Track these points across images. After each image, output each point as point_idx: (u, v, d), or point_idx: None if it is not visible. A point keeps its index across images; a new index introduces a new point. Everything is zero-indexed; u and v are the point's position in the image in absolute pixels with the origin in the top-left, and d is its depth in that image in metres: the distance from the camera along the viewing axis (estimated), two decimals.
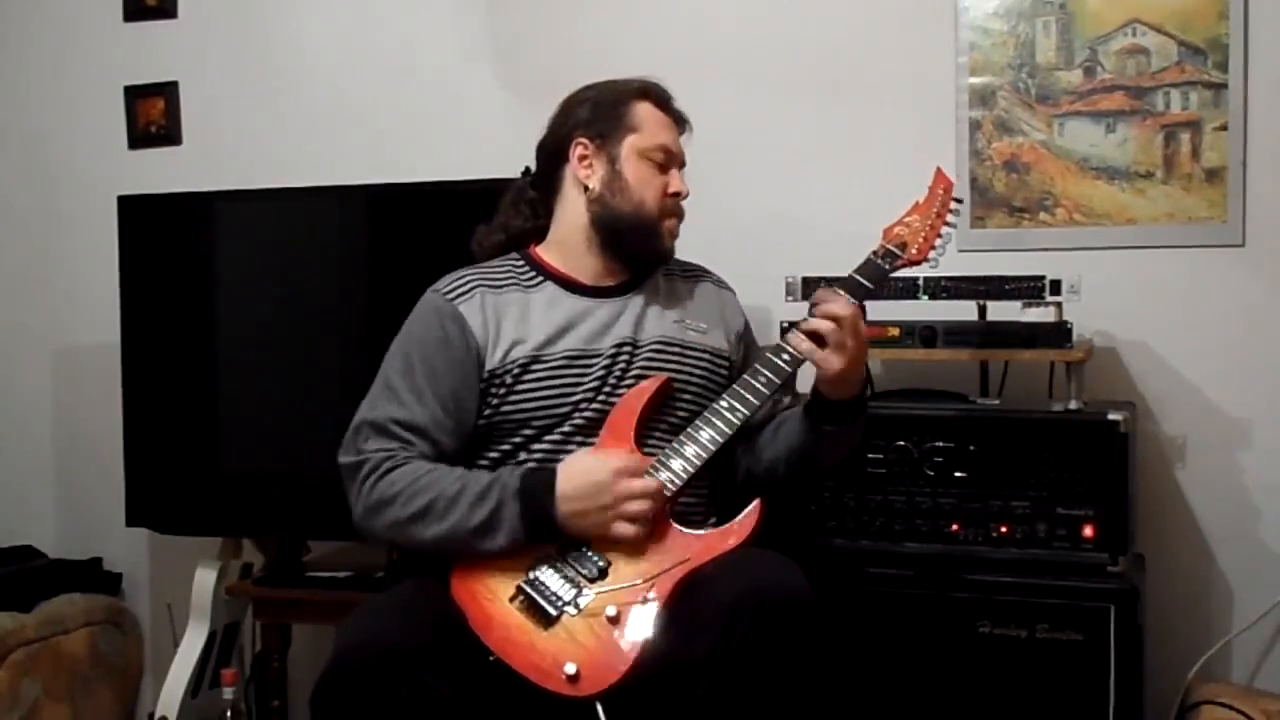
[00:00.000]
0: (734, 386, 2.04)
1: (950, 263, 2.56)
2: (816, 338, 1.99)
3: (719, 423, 2.00)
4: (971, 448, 2.33)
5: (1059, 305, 2.36)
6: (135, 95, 3.29)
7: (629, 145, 2.14)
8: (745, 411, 2.01)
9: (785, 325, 2.18)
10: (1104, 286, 2.52)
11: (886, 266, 2.11)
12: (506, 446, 2.06)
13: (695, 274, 2.29)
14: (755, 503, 1.94)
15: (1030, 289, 2.37)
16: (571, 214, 2.17)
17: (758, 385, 2.03)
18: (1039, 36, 2.67)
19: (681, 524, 1.97)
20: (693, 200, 2.72)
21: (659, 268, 2.22)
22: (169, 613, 3.19)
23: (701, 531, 1.95)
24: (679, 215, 2.19)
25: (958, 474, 2.33)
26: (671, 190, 2.16)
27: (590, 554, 1.93)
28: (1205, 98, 2.58)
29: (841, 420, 2.05)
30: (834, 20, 2.79)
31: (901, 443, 2.36)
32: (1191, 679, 2.52)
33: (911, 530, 2.36)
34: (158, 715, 2.90)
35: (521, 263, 2.18)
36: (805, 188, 2.80)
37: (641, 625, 1.85)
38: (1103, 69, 2.63)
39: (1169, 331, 2.62)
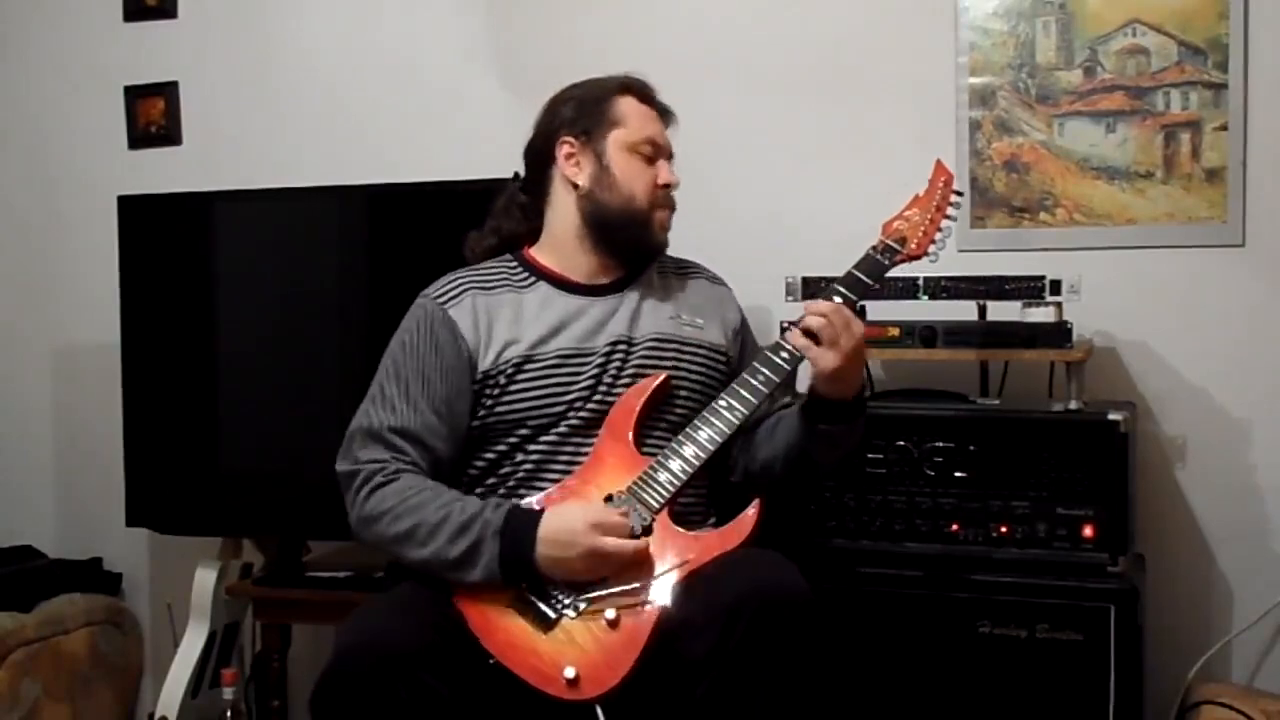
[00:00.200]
0: (733, 385, 2.04)
1: (950, 263, 2.56)
2: (811, 335, 1.99)
3: (718, 422, 2.00)
4: (971, 448, 2.33)
5: (1059, 305, 2.36)
6: (135, 95, 3.29)
7: (615, 140, 2.14)
8: (744, 411, 2.00)
9: (785, 325, 2.18)
10: (1104, 286, 2.51)
11: (886, 262, 2.10)
12: (502, 447, 2.06)
13: (690, 270, 2.29)
14: (754, 503, 1.94)
15: (1030, 289, 2.37)
16: (562, 213, 2.17)
17: (756, 384, 2.02)
18: (1039, 36, 2.67)
19: (681, 523, 1.96)
20: (693, 200, 2.72)
21: (653, 264, 2.22)
22: (169, 613, 3.20)
23: (700, 532, 1.95)
24: (670, 206, 2.19)
25: (958, 474, 2.33)
26: (661, 182, 2.16)
27: None
28: (1205, 98, 2.57)
29: (837, 420, 2.04)
30: (834, 20, 2.79)
31: (901, 443, 2.36)
32: (1191, 679, 2.52)
33: (911, 530, 2.36)
34: (158, 715, 2.90)
35: (514, 264, 2.18)
36: (805, 188, 2.80)
37: (640, 628, 1.85)
38: (1103, 69, 2.63)
39: (1169, 331, 2.62)
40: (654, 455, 2.00)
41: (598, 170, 2.13)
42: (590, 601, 1.88)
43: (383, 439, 2.02)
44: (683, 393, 2.11)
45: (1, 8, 3.38)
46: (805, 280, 2.43)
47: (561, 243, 2.17)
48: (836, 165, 2.78)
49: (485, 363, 2.06)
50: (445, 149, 2.95)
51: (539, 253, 2.20)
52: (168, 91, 3.26)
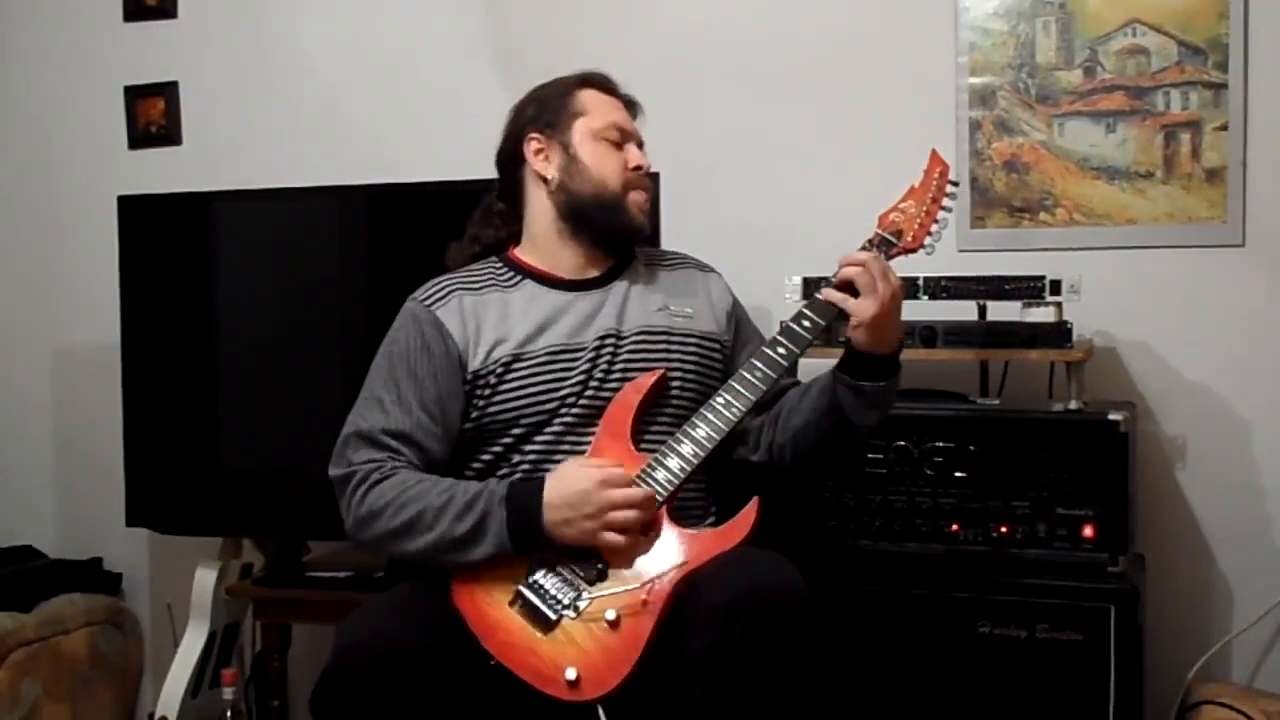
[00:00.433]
0: (730, 381, 2.02)
1: (950, 263, 2.57)
2: (847, 288, 1.98)
3: (715, 419, 1.99)
4: (971, 448, 2.33)
5: (1059, 305, 2.36)
6: (135, 95, 3.29)
7: (580, 129, 2.14)
8: (741, 407, 1.99)
9: (815, 282, 2.16)
10: (1104, 286, 2.52)
11: (881, 255, 2.06)
12: (498, 448, 2.06)
13: (677, 260, 2.28)
14: (752, 502, 1.93)
15: (1030, 289, 2.37)
16: (539, 211, 2.17)
17: (753, 379, 2.00)
18: (1039, 36, 2.67)
19: (680, 519, 1.96)
20: (693, 200, 2.73)
21: (638, 256, 2.21)
22: (169, 613, 3.20)
23: (699, 531, 1.95)
24: (644, 188, 2.17)
25: (958, 474, 2.33)
26: (631, 165, 2.15)
27: (589, 557, 1.92)
28: (1205, 98, 2.58)
29: (877, 376, 2.02)
30: (834, 20, 2.79)
31: (901, 443, 2.36)
32: (1191, 679, 2.52)
33: (911, 530, 2.36)
34: (158, 715, 2.90)
35: (500, 264, 2.18)
36: (805, 188, 2.80)
37: (641, 629, 1.85)
38: (1103, 69, 2.63)
39: (1169, 331, 2.62)
40: (652, 452, 1.99)
41: (566, 160, 2.13)
42: (590, 602, 1.88)
43: (377, 441, 2.02)
44: (676, 385, 2.10)
45: (1, 8, 3.39)
46: (805, 280, 2.42)
47: (542, 240, 2.17)
48: (836, 165, 2.78)
49: (475, 363, 2.05)
50: (445, 149, 2.95)
51: (523, 252, 2.19)
52: (168, 91, 3.26)
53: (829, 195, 2.75)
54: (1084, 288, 2.36)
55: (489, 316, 2.08)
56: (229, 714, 2.67)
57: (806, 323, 2.03)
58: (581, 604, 1.88)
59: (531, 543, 1.91)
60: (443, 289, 2.12)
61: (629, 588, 1.88)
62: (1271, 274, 2.57)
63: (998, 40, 2.69)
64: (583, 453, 2.03)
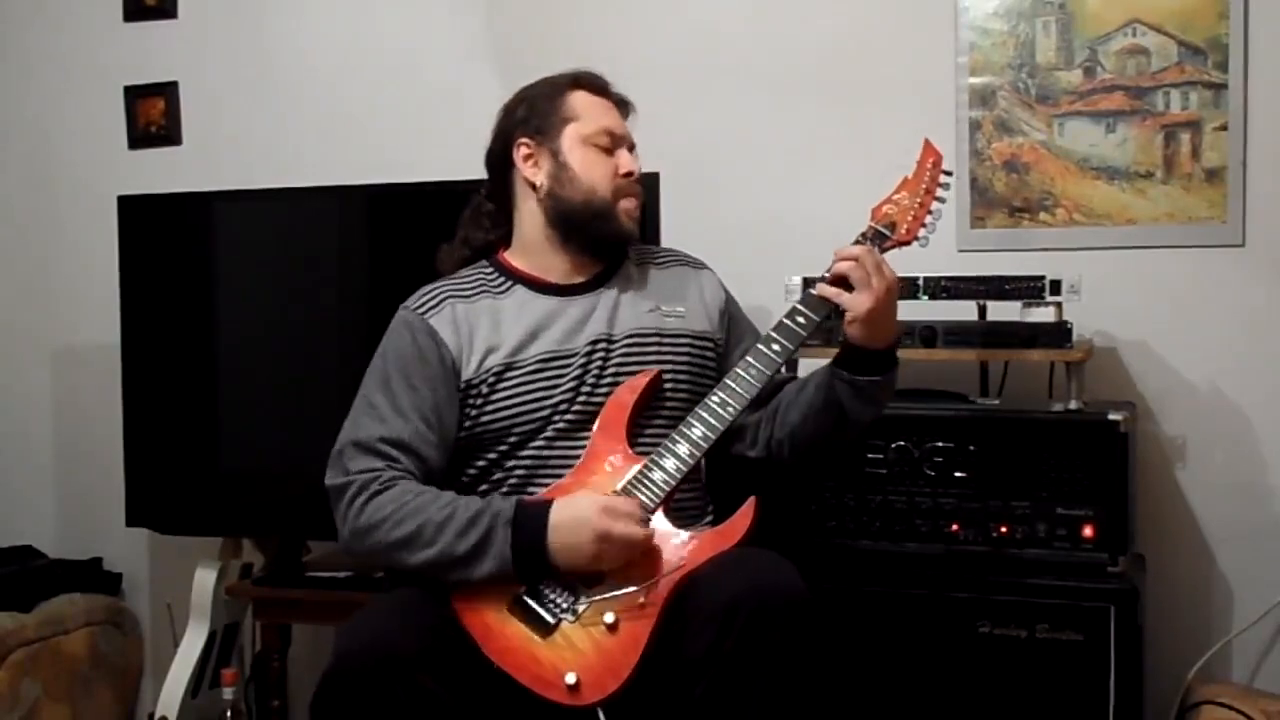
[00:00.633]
0: (725, 380, 2.01)
1: (950, 263, 2.57)
2: (841, 283, 1.97)
3: (711, 419, 1.98)
4: (971, 448, 2.33)
5: (1059, 305, 2.36)
6: (135, 95, 3.29)
7: (570, 135, 2.11)
8: (736, 406, 1.98)
9: (809, 280, 2.14)
10: (1104, 286, 2.51)
11: (875, 249, 2.05)
12: (492, 455, 2.05)
13: (668, 259, 2.26)
14: (749, 502, 1.93)
15: (1030, 289, 2.37)
16: (529, 216, 2.15)
17: (749, 378, 1.99)
18: (1039, 36, 2.67)
19: (678, 518, 1.96)
20: (693, 200, 2.73)
21: (629, 258, 2.20)
22: (169, 613, 3.20)
23: (697, 532, 1.95)
24: (635, 195, 2.15)
25: (958, 474, 2.33)
26: (622, 171, 2.12)
27: None
28: (1205, 98, 2.58)
29: (873, 370, 2.01)
30: (834, 20, 2.79)
31: (901, 443, 2.36)
32: (1191, 679, 2.52)
33: (911, 530, 2.36)
34: (158, 715, 2.90)
35: (491, 270, 2.17)
36: (805, 188, 2.80)
37: (639, 632, 1.84)
38: (1103, 69, 2.63)
39: (1169, 331, 2.62)
40: (648, 453, 1.98)
41: (555, 167, 2.11)
42: (589, 605, 1.88)
43: (375, 450, 2.00)
44: (670, 385, 2.09)
45: (1, 8, 3.39)
46: (805, 281, 2.42)
47: (532, 245, 2.15)
48: (836, 165, 2.78)
49: (468, 371, 2.04)
50: (445, 149, 2.94)
51: (513, 256, 2.18)
52: (168, 91, 3.26)
53: (828, 195, 2.75)
54: (1084, 288, 2.36)
55: (481, 324, 2.07)
56: (229, 714, 2.67)
57: (801, 319, 2.03)
58: (580, 607, 1.88)
59: (534, 565, 1.89)
60: (435, 296, 2.11)
61: (627, 590, 1.87)
62: (1271, 274, 2.57)
63: (998, 40, 2.69)
64: (576, 459, 2.02)
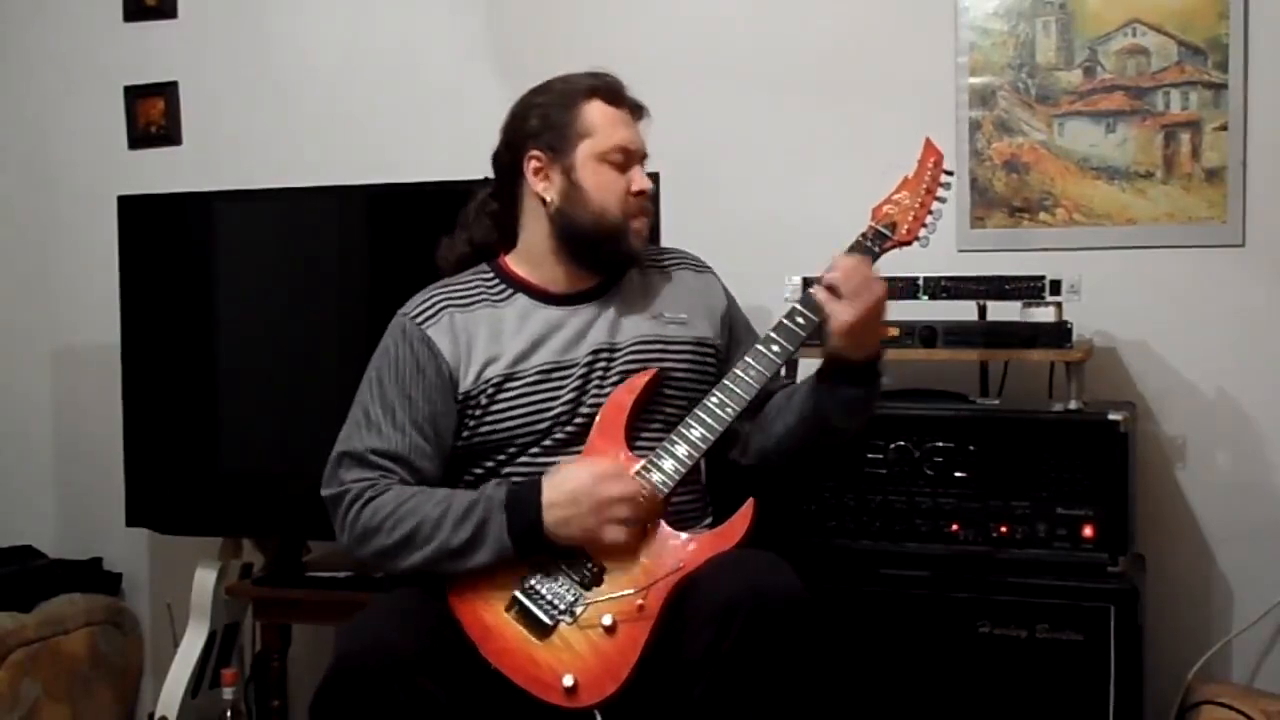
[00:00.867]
0: (724, 381, 2.01)
1: (950, 263, 2.57)
2: (831, 290, 1.96)
3: (710, 420, 1.98)
4: (971, 448, 2.33)
5: (1059, 305, 2.36)
6: (135, 95, 3.29)
7: (584, 151, 2.06)
8: (735, 407, 1.98)
9: (806, 281, 2.13)
10: (1104, 286, 2.51)
11: (876, 249, 2.05)
12: (490, 464, 2.05)
13: (670, 261, 2.24)
14: (748, 503, 1.93)
15: (1030, 289, 2.37)
16: (535, 228, 2.12)
17: (748, 378, 1.99)
18: (1039, 36, 2.67)
19: (677, 522, 1.96)
20: (693, 200, 2.73)
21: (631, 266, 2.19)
22: (169, 613, 3.20)
23: (695, 534, 1.95)
24: (646, 213, 2.12)
25: (958, 474, 2.33)
26: (635, 190, 2.08)
27: (585, 562, 1.92)
28: (1205, 98, 2.57)
29: (854, 382, 2.01)
30: (834, 20, 2.79)
31: (901, 443, 2.36)
32: (1191, 679, 2.52)
33: (911, 530, 2.36)
34: (158, 715, 2.90)
35: (490, 275, 2.14)
36: (805, 187, 2.80)
37: (637, 634, 1.85)
38: (1103, 69, 2.63)
39: (1169, 331, 2.62)
40: (647, 454, 1.98)
41: (568, 186, 2.06)
42: (587, 608, 1.88)
43: (368, 462, 2.00)
44: (671, 391, 2.09)
45: (1, 8, 3.39)
46: (805, 280, 2.42)
47: (536, 254, 2.13)
48: (836, 165, 2.78)
49: (466, 383, 2.03)
50: (445, 149, 2.95)
51: (514, 262, 2.15)
52: (168, 91, 3.26)
53: (828, 195, 2.75)
54: (1084, 288, 2.36)
55: (480, 334, 2.05)
56: (229, 714, 2.67)
57: (800, 319, 2.02)
58: (578, 609, 1.88)
59: (533, 545, 1.90)
60: (433, 304, 2.08)
61: (625, 592, 1.87)
62: (1271, 274, 2.57)
63: (998, 40, 2.69)
64: None
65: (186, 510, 2.94)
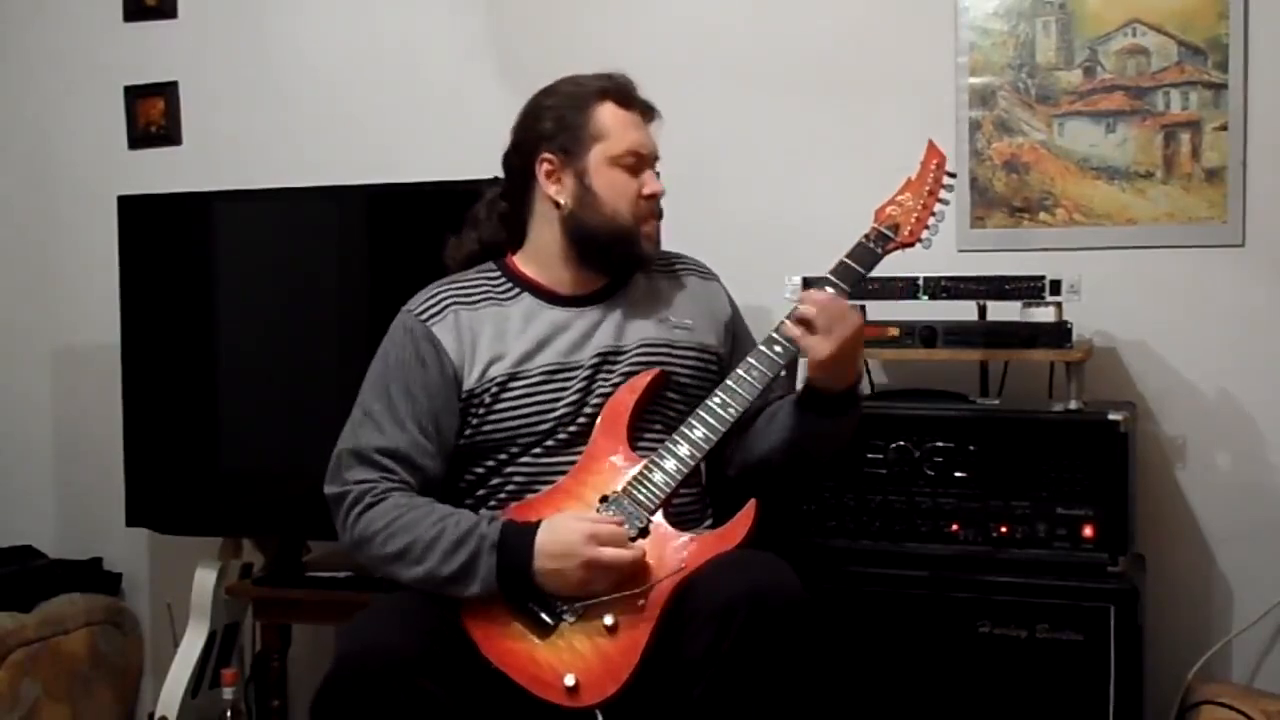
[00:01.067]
0: (727, 381, 2.02)
1: (950, 263, 2.57)
2: (805, 324, 1.97)
3: (712, 420, 1.98)
4: (971, 448, 2.33)
5: (1059, 305, 2.36)
6: (135, 95, 3.29)
7: (597, 155, 2.07)
8: (737, 408, 1.99)
9: (809, 280, 2.15)
10: (1104, 286, 2.51)
11: (879, 250, 2.06)
12: (491, 463, 2.05)
13: (677, 266, 2.24)
14: (749, 504, 1.93)
15: (1030, 289, 2.37)
16: (546, 230, 2.12)
17: (750, 379, 2.00)
18: (1039, 36, 2.67)
19: (678, 522, 1.96)
20: (693, 200, 2.72)
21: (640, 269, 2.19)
22: (169, 613, 3.19)
23: (696, 534, 1.95)
24: (658, 216, 2.13)
25: (958, 474, 2.33)
26: (647, 193, 2.09)
27: None
28: (1205, 98, 2.57)
29: (830, 412, 2.02)
30: (833, 20, 2.79)
31: (901, 443, 2.36)
32: (1191, 679, 2.52)
33: (911, 530, 2.36)
34: (158, 715, 2.90)
35: (497, 274, 2.14)
36: (805, 188, 2.80)
37: (639, 634, 1.85)
38: (1103, 69, 2.63)
39: (1169, 331, 2.62)
40: (648, 455, 1.98)
41: (580, 190, 2.07)
42: (588, 607, 1.88)
43: (370, 460, 2.00)
44: (673, 396, 2.09)
45: (1, 8, 3.38)
46: (805, 280, 2.42)
47: (545, 255, 2.13)
48: (836, 165, 2.78)
49: (470, 381, 2.03)
50: (445, 149, 2.95)
51: (522, 262, 2.16)
52: (168, 91, 3.26)
53: (828, 195, 2.75)
54: (1084, 288, 2.36)
55: (484, 333, 2.06)
56: (229, 714, 2.67)
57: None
58: (579, 609, 1.88)
59: (520, 589, 1.89)
60: (438, 301, 2.09)
61: (626, 593, 1.87)
62: (1271, 274, 2.56)
63: (998, 40, 2.69)
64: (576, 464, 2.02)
65: (186, 510, 2.94)
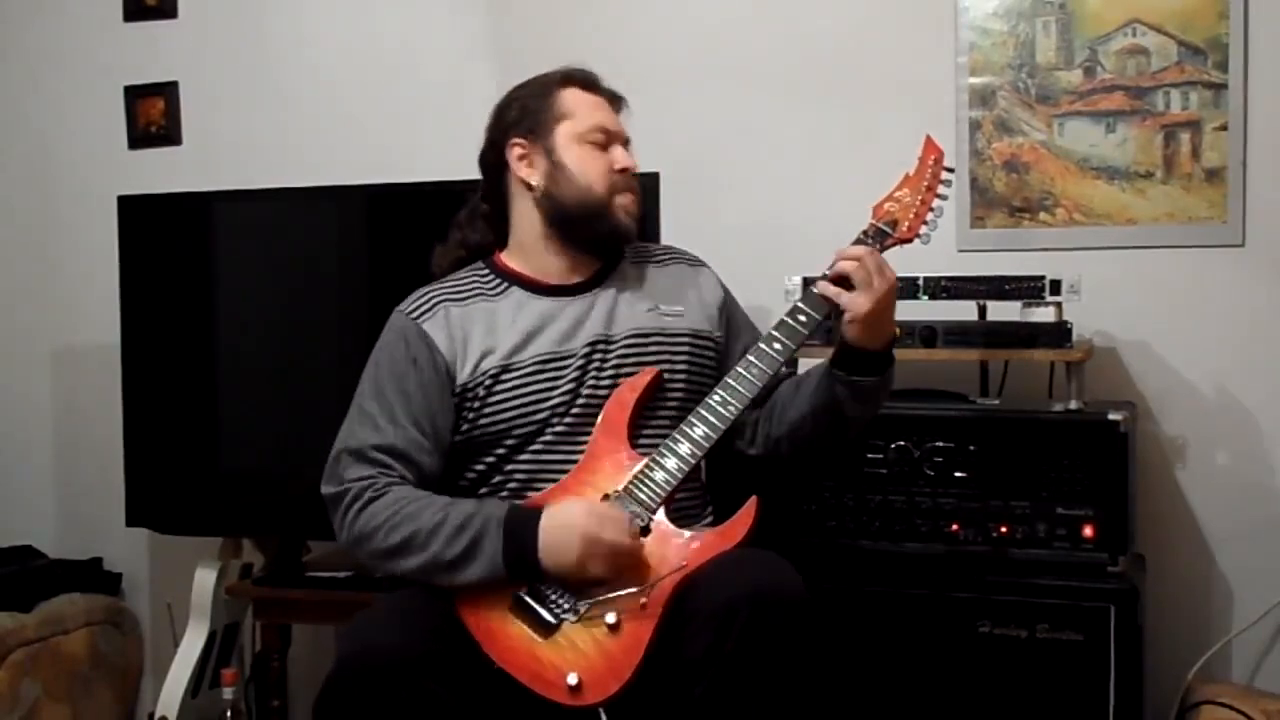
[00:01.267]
0: (725, 379, 2.01)
1: (950, 263, 2.57)
2: (842, 282, 1.97)
3: (712, 418, 1.98)
4: (971, 448, 2.33)
5: (1059, 305, 2.36)
6: (135, 95, 3.29)
7: (564, 133, 2.10)
8: (737, 406, 1.98)
9: (808, 280, 2.14)
10: (1104, 286, 2.52)
11: (876, 246, 2.05)
12: (490, 459, 2.05)
13: (665, 256, 2.25)
14: (750, 502, 1.93)
15: (1030, 289, 2.37)
16: (525, 217, 2.14)
17: (753, 373, 1.99)
18: (1039, 36, 2.67)
19: (678, 517, 1.96)
20: (693, 200, 2.73)
21: (625, 257, 2.19)
22: (169, 613, 3.20)
23: (698, 533, 1.95)
24: (631, 190, 2.13)
25: (958, 474, 2.33)
26: (618, 166, 2.10)
27: None
28: (1205, 98, 2.58)
29: (869, 371, 2.01)
30: (834, 20, 2.79)
31: (901, 443, 2.36)
32: (1191, 679, 2.52)
33: (911, 530, 2.36)
34: (158, 715, 2.90)
35: (485, 271, 2.16)
36: (805, 187, 2.80)
37: (641, 632, 1.84)
38: (1103, 69, 2.63)
39: (1169, 331, 2.62)
40: (649, 451, 1.98)
41: (550, 167, 2.09)
42: (590, 605, 1.88)
43: (368, 458, 2.00)
44: (670, 384, 2.09)
45: (1, 8, 3.39)
46: (805, 281, 2.42)
47: (529, 246, 2.14)
48: (836, 165, 2.78)
49: (463, 375, 2.04)
50: (445, 149, 2.94)
51: (509, 257, 2.17)
52: (168, 91, 3.26)
53: (829, 195, 2.75)
54: (1084, 288, 2.36)
55: (476, 327, 2.07)
56: (229, 714, 2.67)
57: (802, 317, 2.03)
58: (581, 608, 1.88)
59: (524, 570, 1.89)
60: (428, 300, 2.10)
61: (629, 591, 1.87)
62: (1271, 274, 2.57)
63: (998, 40, 2.69)
64: (578, 457, 2.02)
65: (186, 510, 2.94)
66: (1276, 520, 2.57)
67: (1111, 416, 2.28)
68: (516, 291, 2.12)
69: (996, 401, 2.52)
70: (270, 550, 3.00)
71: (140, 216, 2.95)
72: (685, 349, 2.12)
